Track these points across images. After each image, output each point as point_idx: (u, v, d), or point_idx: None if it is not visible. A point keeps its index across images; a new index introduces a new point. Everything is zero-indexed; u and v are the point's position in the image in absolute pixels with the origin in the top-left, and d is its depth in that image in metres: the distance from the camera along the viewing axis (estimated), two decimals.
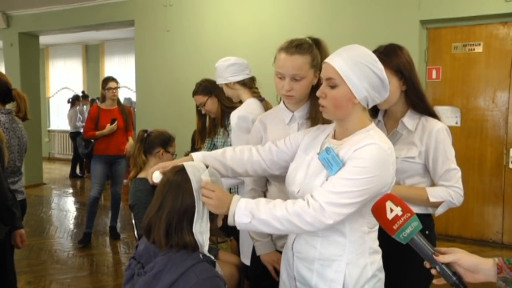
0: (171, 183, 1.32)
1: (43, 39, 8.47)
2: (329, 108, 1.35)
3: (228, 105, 2.83)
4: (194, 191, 1.30)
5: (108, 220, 5.55)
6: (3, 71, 7.06)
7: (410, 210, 1.09)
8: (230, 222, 1.32)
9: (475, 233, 4.51)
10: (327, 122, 1.68)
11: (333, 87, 1.32)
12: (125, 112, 4.70)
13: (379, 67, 1.32)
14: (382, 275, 1.41)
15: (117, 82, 4.62)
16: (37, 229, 5.11)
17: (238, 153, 1.55)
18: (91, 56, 11.11)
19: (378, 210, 1.11)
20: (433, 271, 1.09)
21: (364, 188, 1.24)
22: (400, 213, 1.08)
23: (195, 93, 2.98)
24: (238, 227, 1.32)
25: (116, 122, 4.54)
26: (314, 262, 1.38)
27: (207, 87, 2.91)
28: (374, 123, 1.40)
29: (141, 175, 2.48)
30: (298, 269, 1.43)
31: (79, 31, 7.62)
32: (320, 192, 1.27)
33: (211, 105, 2.89)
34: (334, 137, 1.42)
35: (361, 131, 1.35)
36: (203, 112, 2.98)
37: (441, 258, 1.08)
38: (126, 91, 9.97)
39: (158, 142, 2.50)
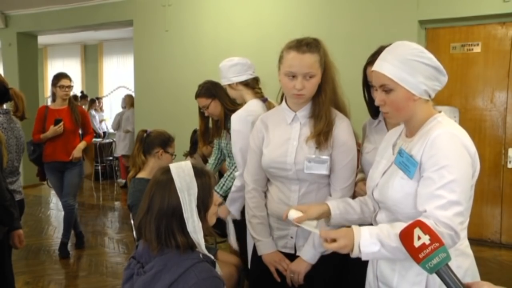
0: (157, 185, 1.32)
1: (42, 39, 8.45)
2: (392, 113, 1.33)
3: (230, 108, 2.80)
4: (178, 191, 1.28)
5: (107, 220, 5.55)
6: (1, 71, 7.06)
7: (439, 240, 1.04)
8: (355, 253, 1.25)
9: (473, 233, 4.50)
10: (331, 120, 1.69)
11: (388, 92, 1.30)
12: (77, 112, 4.11)
13: (427, 56, 1.28)
14: (475, 276, 1.33)
15: (70, 80, 4.07)
16: (35, 229, 5.10)
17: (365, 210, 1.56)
18: (90, 56, 11.10)
19: (405, 236, 1.06)
20: None
21: (465, 184, 1.22)
22: (428, 242, 1.02)
23: (197, 95, 2.93)
24: (364, 258, 1.26)
25: (61, 124, 3.95)
26: (396, 263, 1.34)
27: (210, 90, 2.86)
28: (443, 112, 1.36)
29: (140, 175, 2.47)
30: (381, 268, 1.41)
31: (77, 31, 7.61)
32: (435, 209, 1.20)
33: (214, 108, 2.85)
34: (407, 135, 1.40)
35: (429, 121, 1.31)
36: (205, 114, 2.94)
37: None
38: (125, 91, 9.96)
39: (158, 143, 2.50)
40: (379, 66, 1.32)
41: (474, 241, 4.47)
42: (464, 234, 1.34)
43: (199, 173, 1.34)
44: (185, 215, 1.28)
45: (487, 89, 4.39)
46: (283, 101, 1.81)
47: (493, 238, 4.47)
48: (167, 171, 1.33)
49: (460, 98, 4.51)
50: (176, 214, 1.28)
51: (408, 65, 1.26)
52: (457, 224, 1.20)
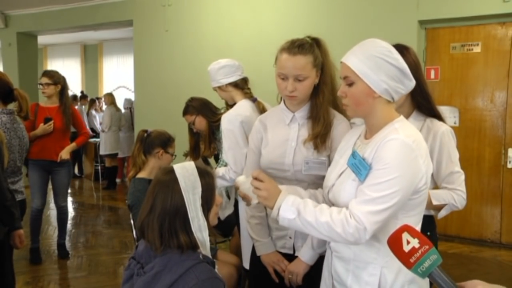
0: (161, 184, 1.32)
1: (42, 39, 8.46)
2: (351, 106, 1.34)
3: (214, 120, 2.90)
4: (183, 190, 1.29)
5: (101, 220, 5.55)
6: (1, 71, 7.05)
7: (429, 242, 1.03)
8: (273, 215, 1.32)
9: (473, 233, 4.52)
10: (329, 121, 1.69)
11: (350, 85, 1.30)
12: (68, 112, 3.96)
13: (394, 57, 1.28)
14: (424, 283, 1.32)
15: (49, 77, 3.89)
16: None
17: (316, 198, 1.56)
18: (90, 56, 11.11)
19: (394, 242, 1.05)
20: None
21: (394, 190, 1.21)
22: (417, 246, 1.01)
23: (184, 113, 3.04)
24: (280, 222, 1.31)
25: (51, 122, 3.82)
26: (350, 263, 1.37)
27: (193, 106, 2.97)
28: (402, 116, 1.36)
29: (140, 175, 2.48)
30: (335, 267, 1.42)
31: (77, 31, 7.62)
32: (356, 203, 1.25)
33: (199, 123, 2.95)
34: (366, 136, 1.40)
35: (387, 126, 1.31)
36: (194, 130, 3.04)
37: None
38: (125, 92, 9.97)
39: (158, 143, 2.50)
40: (346, 58, 1.33)
41: (474, 241, 4.48)
42: None
43: (203, 173, 1.35)
44: (190, 215, 1.28)
45: (487, 89, 4.39)
46: (282, 102, 1.81)
47: (493, 238, 4.46)
48: (170, 171, 1.34)
49: (460, 98, 4.51)
50: (180, 213, 1.28)
51: (373, 62, 1.27)
52: (370, 221, 1.22)
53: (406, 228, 1.04)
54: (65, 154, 3.92)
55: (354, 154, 1.33)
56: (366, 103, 1.30)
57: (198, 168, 1.36)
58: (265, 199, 1.32)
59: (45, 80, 3.89)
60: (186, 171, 1.32)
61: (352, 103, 1.32)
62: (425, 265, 1.00)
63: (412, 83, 1.32)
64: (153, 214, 1.29)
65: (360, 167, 1.29)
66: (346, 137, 1.52)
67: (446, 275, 1.00)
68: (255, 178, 1.33)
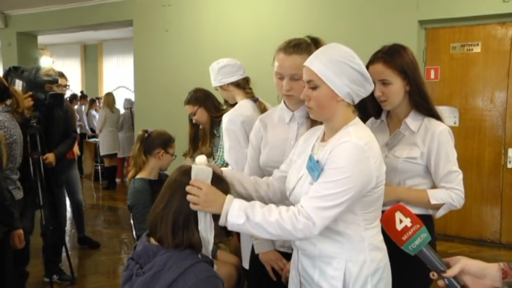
0: (179, 184, 1.33)
1: (41, 39, 8.45)
2: (315, 109, 1.38)
3: (216, 115, 2.90)
4: None
5: (101, 220, 5.55)
6: (1, 71, 7.07)
7: (419, 222, 1.08)
8: (221, 222, 1.30)
9: (473, 233, 4.52)
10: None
11: (314, 88, 1.35)
12: (70, 111, 4.04)
13: (357, 62, 1.33)
14: (386, 273, 1.40)
15: (66, 79, 4.07)
16: (35, 229, 5.08)
17: (258, 185, 1.58)
18: (90, 56, 11.12)
19: (387, 221, 1.11)
20: (440, 283, 1.08)
21: (344, 188, 1.26)
22: (409, 224, 1.08)
23: (185, 102, 3.04)
24: (229, 228, 1.31)
25: None
26: (316, 259, 1.40)
27: (197, 98, 2.97)
28: (358, 117, 1.41)
29: (140, 175, 2.48)
30: (303, 265, 1.45)
31: (77, 31, 7.63)
32: (305, 199, 1.30)
33: (201, 115, 2.95)
34: (323, 138, 1.44)
35: (342, 129, 1.36)
36: (194, 121, 3.04)
37: (449, 273, 1.06)
38: (125, 92, 9.97)
39: (158, 143, 2.50)
40: (309, 62, 1.36)
41: (474, 241, 4.48)
42: (377, 230, 1.39)
43: (219, 179, 1.37)
44: (199, 214, 1.30)
45: (487, 89, 4.39)
46: (282, 101, 1.82)
47: (492, 238, 4.47)
48: (188, 171, 1.34)
49: (460, 98, 4.51)
50: (194, 212, 1.30)
51: (336, 66, 1.31)
52: (319, 217, 1.25)
53: (399, 208, 1.11)
54: (76, 150, 4.13)
55: (310, 158, 1.37)
56: (330, 106, 1.35)
57: (214, 173, 1.37)
58: (204, 207, 1.27)
59: (64, 81, 3.97)
60: (202, 173, 1.33)
61: (316, 106, 1.36)
62: (416, 243, 1.07)
63: (371, 87, 1.38)
64: (168, 209, 1.31)
65: (314, 169, 1.33)
66: (304, 137, 1.55)
67: (434, 252, 1.09)
68: (190, 184, 1.29)
